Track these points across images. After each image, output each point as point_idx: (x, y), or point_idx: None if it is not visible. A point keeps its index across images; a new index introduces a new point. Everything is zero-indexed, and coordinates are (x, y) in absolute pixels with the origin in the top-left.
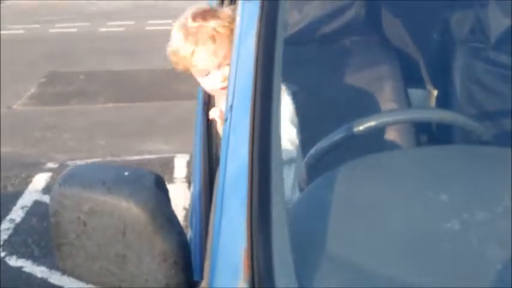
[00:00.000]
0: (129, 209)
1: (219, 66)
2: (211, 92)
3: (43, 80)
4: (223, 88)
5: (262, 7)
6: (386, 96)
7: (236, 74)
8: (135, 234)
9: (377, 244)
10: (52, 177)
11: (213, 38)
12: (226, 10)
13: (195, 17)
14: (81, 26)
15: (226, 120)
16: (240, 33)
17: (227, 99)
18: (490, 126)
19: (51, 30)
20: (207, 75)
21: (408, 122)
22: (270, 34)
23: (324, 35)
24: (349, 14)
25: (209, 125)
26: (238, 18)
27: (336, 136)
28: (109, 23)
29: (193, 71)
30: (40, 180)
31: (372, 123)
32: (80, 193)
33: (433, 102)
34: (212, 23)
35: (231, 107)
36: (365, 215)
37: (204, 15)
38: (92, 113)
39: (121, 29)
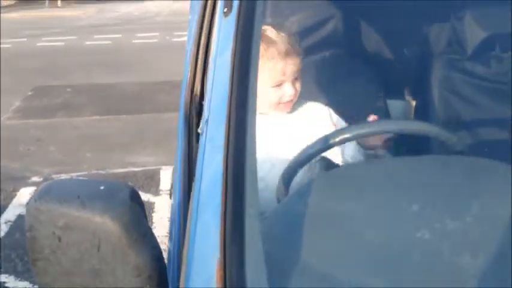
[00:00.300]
0: (103, 223)
1: (293, 79)
2: (270, 108)
3: (30, 93)
4: (288, 103)
5: (237, 24)
6: (366, 108)
7: (212, 89)
8: (109, 248)
9: (349, 255)
10: None
11: (298, 52)
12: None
13: (278, 29)
14: (68, 39)
15: (202, 133)
16: (217, 50)
17: (203, 113)
18: (465, 136)
19: (38, 44)
20: (279, 85)
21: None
22: (245, 51)
23: (304, 48)
24: (329, 28)
25: (190, 137)
26: (215, 35)
27: (311, 149)
28: (96, 36)
29: (264, 80)
30: (25, 194)
31: (346, 136)
32: (55, 208)
33: (412, 113)
34: (292, 39)
35: (207, 120)
36: (337, 226)
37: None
38: (78, 126)
39: (108, 42)
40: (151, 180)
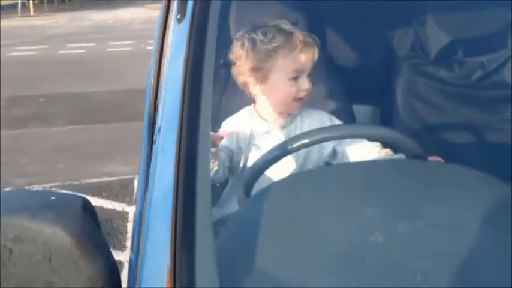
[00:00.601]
0: (54, 234)
1: (308, 73)
2: (284, 104)
3: (3, 104)
4: (301, 100)
5: (191, 30)
6: (332, 113)
7: (165, 97)
8: (61, 260)
9: (303, 259)
10: None
11: (318, 46)
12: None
13: (287, 23)
14: (40, 48)
15: (154, 142)
16: (170, 57)
17: (156, 121)
18: (429, 140)
19: (11, 54)
20: (295, 78)
21: (340, 139)
22: (198, 58)
23: None
24: None
25: (152, 145)
26: (169, 42)
27: (269, 155)
28: (69, 45)
29: (282, 72)
30: None
31: (303, 141)
32: (5, 220)
33: (377, 118)
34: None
35: (160, 129)
36: (292, 231)
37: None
38: (51, 136)
39: (81, 50)
40: (126, 190)
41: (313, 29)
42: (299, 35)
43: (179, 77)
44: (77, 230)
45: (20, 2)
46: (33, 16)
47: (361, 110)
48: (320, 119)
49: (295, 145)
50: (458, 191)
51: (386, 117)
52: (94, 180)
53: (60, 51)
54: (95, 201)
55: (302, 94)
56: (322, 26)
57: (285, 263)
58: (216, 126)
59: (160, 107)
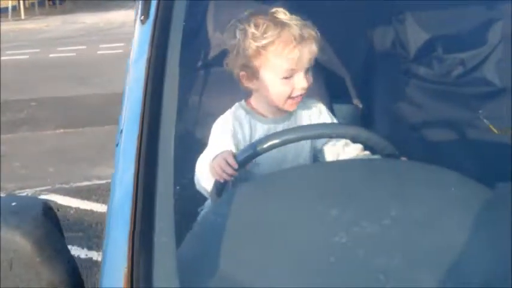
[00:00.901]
0: (14, 240)
1: (306, 70)
2: (276, 102)
3: None
4: (298, 98)
5: (153, 32)
6: None
7: (127, 99)
8: (22, 266)
9: (266, 261)
10: None
11: (316, 40)
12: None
13: (286, 13)
14: (31, 52)
15: (116, 145)
16: (134, 58)
17: (119, 123)
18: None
19: (1, 58)
20: (288, 77)
21: (313, 139)
22: (160, 59)
23: None
24: None
25: None
26: (133, 43)
27: (240, 156)
28: (60, 49)
29: (272, 70)
30: None
31: (274, 141)
32: None
33: (358, 116)
34: (304, 22)
35: (121, 131)
36: (258, 232)
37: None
38: (42, 140)
39: (72, 54)
40: None
41: None
42: (295, 29)
43: (141, 79)
44: (37, 235)
45: (10, 5)
46: (24, 20)
47: (343, 109)
48: (319, 110)
49: (265, 145)
50: (427, 190)
51: (367, 115)
52: (84, 183)
53: (51, 55)
54: (85, 205)
55: (298, 93)
56: None
57: (248, 264)
58: (196, 126)
59: (123, 109)
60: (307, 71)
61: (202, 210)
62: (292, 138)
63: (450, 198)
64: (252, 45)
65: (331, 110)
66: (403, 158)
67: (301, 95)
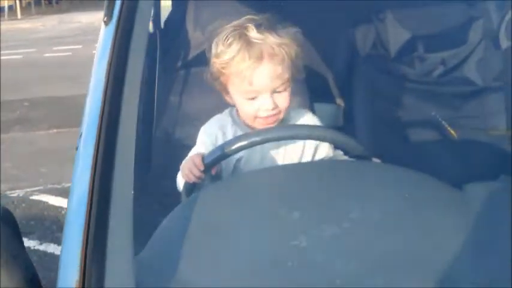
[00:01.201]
0: None
1: (273, 91)
2: (247, 121)
3: None
4: (268, 118)
5: (115, 34)
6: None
7: (88, 102)
8: None
9: (225, 265)
10: None
11: (282, 58)
12: (289, 30)
13: (259, 29)
14: (26, 52)
15: (76, 148)
16: (96, 60)
17: (80, 127)
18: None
19: None
20: (253, 98)
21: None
22: (121, 62)
23: None
24: None
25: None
26: (97, 45)
27: (208, 158)
28: (55, 48)
29: (235, 90)
30: None
31: (242, 143)
32: None
33: (340, 116)
34: (284, 40)
35: (81, 135)
36: (218, 236)
37: (270, 28)
38: (35, 140)
39: (68, 53)
40: None
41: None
42: (256, 48)
43: (101, 82)
44: None
45: (7, 5)
46: (20, 19)
47: (326, 108)
48: (306, 121)
49: (233, 147)
50: (389, 191)
51: (348, 115)
52: None
53: (46, 54)
54: None
55: (264, 114)
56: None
57: (206, 266)
58: (175, 127)
59: (84, 113)
60: (278, 92)
61: None
62: (259, 140)
63: (412, 200)
64: (216, 63)
65: (312, 109)
66: (375, 159)
67: (271, 115)
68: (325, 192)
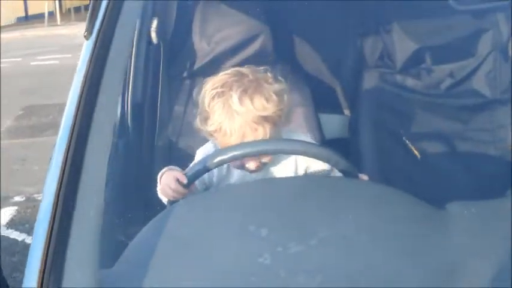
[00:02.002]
0: None
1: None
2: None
3: (20, 113)
4: (254, 170)
5: (93, 48)
6: (298, 124)
7: (64, 114)
8: None
9: (190, 281)
10: (18, 211)
11: (263, 129)
12: (275, 87)
13: (241, 98)
14: (63, 57)
15: (50, 159)
16: (75, 74)
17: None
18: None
19: (32, 63)
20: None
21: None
22: (96, 77)
23: (234, 66)
24: (257, 45)
25: None
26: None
27: (190, 172)
28: None
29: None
30: (5, 214)
31: (223, 157)
32: None
33: (346, 127)
34: (267, 108)
35: (55, 145)
36: (186, 252)
37: (255, 91)
38: None
39: None
40: None
41: (279, 39)
42: (244, 122)
43: (76, 95)
44: None
45: (47, 11)
46: (60, 25)
47: (334, 119)
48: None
49: (215, 160)
50: (361, 208)
51: (354, 126)
52: None
53: None
54: None
55: (252, 168)
56: (290, 35)
57: (173, 282)
58: (179, 137)
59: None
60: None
61: None
62: (239, 154)
63: (383, 218)
64: (201, 126)
65: (317, 120)
66: (362, 175)
67: (260, 165)
68: (297, 209)
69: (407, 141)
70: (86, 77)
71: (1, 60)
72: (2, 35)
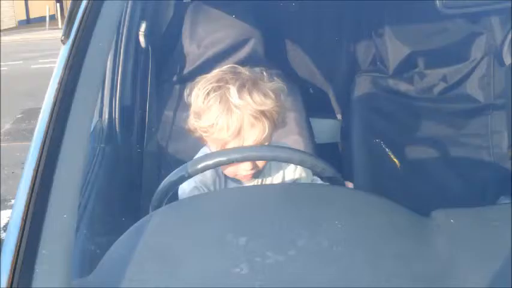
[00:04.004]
0: None
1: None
2: (226, 173)
3: (19, 116)
4: (246, 176)
5: (69, 53)
6: (290, 129)
7: (39, 118)
8: None
9: None
10: None
11: (263, 125)
12: (272, 85)
13: (240, 91)
14: None
15: (24, 162)
16: (51, 79)
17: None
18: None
19: (33, 66)
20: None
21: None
22: (71, 82)
23: None
24: (247, 49)
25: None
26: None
27: (173, 177)
28: None
29: (215, 149)
30: (3, 217)
31: (207, 163)
32: None
33: (338, 132)
34: (266, 103)
35: (29, 150)
36: (164, 262)
37: (253, 87)
38: None
39: None
40: None
41: (270, 42)
42: (243, 116)
43: (50, 101)
44: None
45: (48, 14)
46: (61, 28)
47: (327, 123)
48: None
49: (199, 166)
50: (344, 219)
51: (346, 131)
52: None
53: None
54: None
55: (244, 173)
56: (281, 39)
57: None
58: (168, 142)
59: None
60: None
61: None
62: (224, 160)
63: (365, 226)
64: (194, 124)
65: (308, 125)
66: (348, 183)
67: (253, 172)
68: (278, 217)
69: (387, 150)
70: (60, 83)
71: (1, 64)
72: (3, 38)
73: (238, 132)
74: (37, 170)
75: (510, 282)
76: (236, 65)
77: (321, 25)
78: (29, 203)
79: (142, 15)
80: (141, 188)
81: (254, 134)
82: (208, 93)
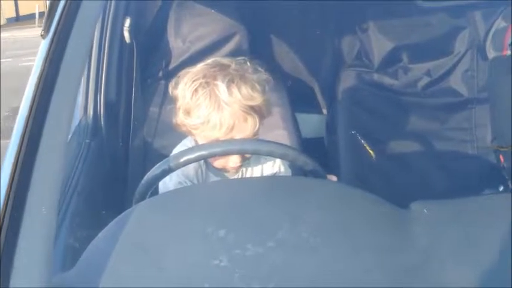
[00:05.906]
0: None
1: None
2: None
3: (6, 113)
4: (235, 167)
5: (49, 48)
6: (275, 124)
7: (18, 114)
8: None
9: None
10: None
11: (253, 120)
12: (260, 75)
13: (229, 87)
14: None
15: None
16: (31, 74)
17: None
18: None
19: (21, 64)
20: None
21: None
22: (50, 78)
23: None
24: (232, 44)
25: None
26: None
27: (156, 170)
28: None
29: (206, 139)
30: None
31: (189, 157)
32: None
33: (323, 127)
34: (254, 97)
35: (8, 147)
36: (144, 255)
37: (240, 81)
38: None
39: None
40: None
41: (256, 38)
42: (233, 113)
43: (30, 96)
44: None
45: (37, 11)
46: None
47: (313, 118)
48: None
49: (181, 160)
50: (324, 211)
51: (331, 125)
52: None
53: None
54: None
55: (233, 165)
56: (267, 34)
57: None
58: (153, 137)
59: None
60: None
61: None
62: (206, 154)
63: (344, 218)
64: (183, 121)
65: (294, 119)
66: (331, 176)
67: (235, 168)
68: (258, 209)
69: (362, 141)
70: (40, 78)
71: None
72: None
73: (231, 129)
74: (16, 165)
75: (487, 271)
76: (219, 58)
77: (306, 20)
78: (8, 198)
79: (127, 10)
80: (126, 183)
81: (246, 128)
82: (196, 90)
